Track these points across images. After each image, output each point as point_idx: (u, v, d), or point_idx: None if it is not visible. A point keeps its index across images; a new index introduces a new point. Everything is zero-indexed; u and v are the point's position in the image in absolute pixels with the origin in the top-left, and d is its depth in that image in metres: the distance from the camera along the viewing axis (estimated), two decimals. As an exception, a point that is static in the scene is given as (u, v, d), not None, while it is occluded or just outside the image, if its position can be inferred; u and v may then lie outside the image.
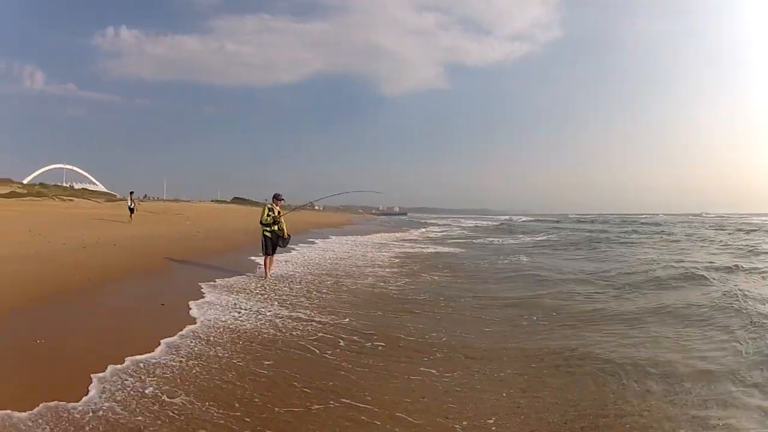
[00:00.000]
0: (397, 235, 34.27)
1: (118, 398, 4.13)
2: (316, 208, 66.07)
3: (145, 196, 55.13)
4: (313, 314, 7.66)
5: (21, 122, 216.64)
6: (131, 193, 26.50)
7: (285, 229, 11.42)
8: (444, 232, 39.41)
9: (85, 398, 4.06)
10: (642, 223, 48.32)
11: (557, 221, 62.47)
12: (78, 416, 3.78)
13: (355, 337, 6.52)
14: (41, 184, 56.91)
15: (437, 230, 43.76)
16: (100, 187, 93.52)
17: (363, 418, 4.13)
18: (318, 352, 5.83)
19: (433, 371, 5.33)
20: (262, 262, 11.53)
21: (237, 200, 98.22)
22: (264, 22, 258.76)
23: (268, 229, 11.36)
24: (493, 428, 4.06)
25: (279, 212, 11.50)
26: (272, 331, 6.60)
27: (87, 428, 3.65)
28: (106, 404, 4.01)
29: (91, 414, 3.82)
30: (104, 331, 6.15)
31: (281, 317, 7.35)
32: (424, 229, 44.51)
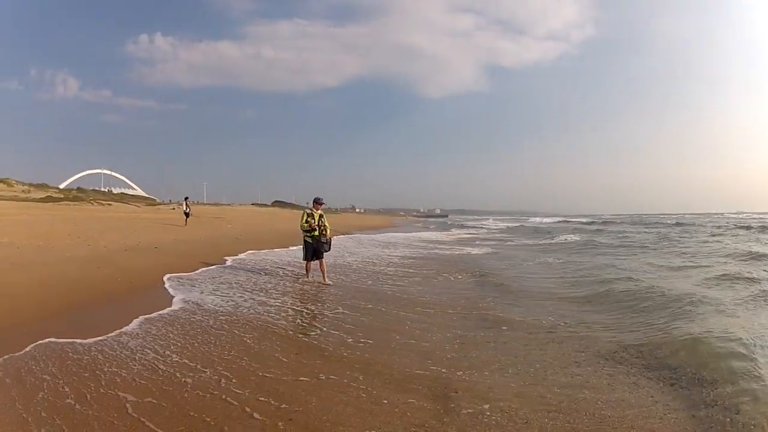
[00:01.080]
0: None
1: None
2: (357, 210, 65.27)
3: (186, 199, 55.32)
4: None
5: (56, 129, 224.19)
6: (186, 198, 26.98)
7: (329, 232, 10.93)
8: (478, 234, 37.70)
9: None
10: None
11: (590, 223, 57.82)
12: None
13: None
14: (79, 189, 57.13)
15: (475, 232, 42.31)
16: (140, 192, 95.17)
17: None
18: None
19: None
20: (304, 268, 10.99)
21: (277, 203, 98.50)
22: (299, 27, 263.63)
23: (308, 234, 10.89)
24: None
25: (321, 216, 11.03)
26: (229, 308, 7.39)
27: None
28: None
29: None
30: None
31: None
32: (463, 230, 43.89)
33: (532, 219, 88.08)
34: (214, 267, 11.76)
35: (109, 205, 32.00)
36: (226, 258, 13.12)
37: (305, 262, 10.99)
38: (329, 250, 11.22)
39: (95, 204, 29.67)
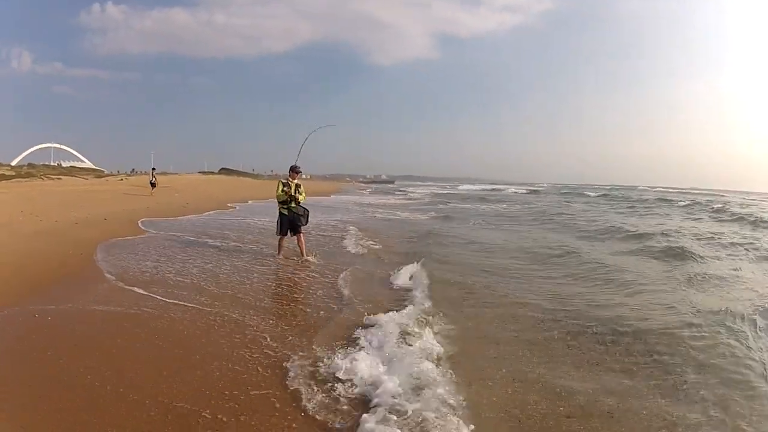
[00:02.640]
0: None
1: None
2: (304, 177, 66.45)
3: (133, 171, 54.94)
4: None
5: (8, 105, 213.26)
6: (153, 169, 30.21)
7: (303, 201, 10.12)
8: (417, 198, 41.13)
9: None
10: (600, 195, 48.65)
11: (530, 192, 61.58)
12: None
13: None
14: (29, 165, 55.94)
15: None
16: (88, 164, 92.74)
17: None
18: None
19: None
20: (277, 242, 10.21)
21: (224, 171, 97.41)
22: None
23: (284, 206, 10.06)
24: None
25: (298, 186, 10.12)
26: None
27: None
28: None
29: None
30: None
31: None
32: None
33: (466, 186, 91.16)
34: (152, 234, 11.90)
35: (59, 179, 31.95)
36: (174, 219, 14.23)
37: (278, 237, 10.19)
38: (307, 223, 10.33)
39: (45, 179, 29.66)
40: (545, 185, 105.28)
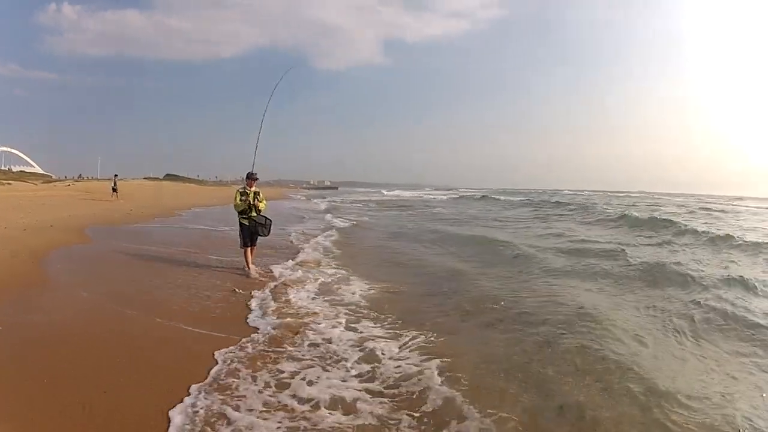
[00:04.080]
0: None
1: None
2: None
3: (80, 176, 53.48)
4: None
5: None
6: (115, 175, 30.48)
7: (264, 209, 9.61)
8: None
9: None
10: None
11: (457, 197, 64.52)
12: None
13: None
14: None
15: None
16: (38, 169, 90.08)
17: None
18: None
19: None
20: (243, 256, 9.53)
21: (169, 177, 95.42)
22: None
23: (244, 216, 9.46)
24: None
25: (256, 194, 9.54)
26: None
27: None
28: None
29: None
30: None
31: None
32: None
33: (397, 192, 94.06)
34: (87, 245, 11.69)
35: (9, 184, 31.10)
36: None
37: (242, 249, 9.51)
38: (268, 234, 9.73)
39: None
40: (490, 189, 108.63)
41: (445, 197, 63.64)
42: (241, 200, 9.36)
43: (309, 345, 5.38)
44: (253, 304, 7.11)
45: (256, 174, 9.61)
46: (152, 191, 41.88)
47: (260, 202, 9.50)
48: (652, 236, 16.53)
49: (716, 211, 32.91)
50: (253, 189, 9.51)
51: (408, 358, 5.01)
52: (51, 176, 67.04)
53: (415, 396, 4.17)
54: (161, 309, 6.55)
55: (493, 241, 14.41)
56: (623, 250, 12.15)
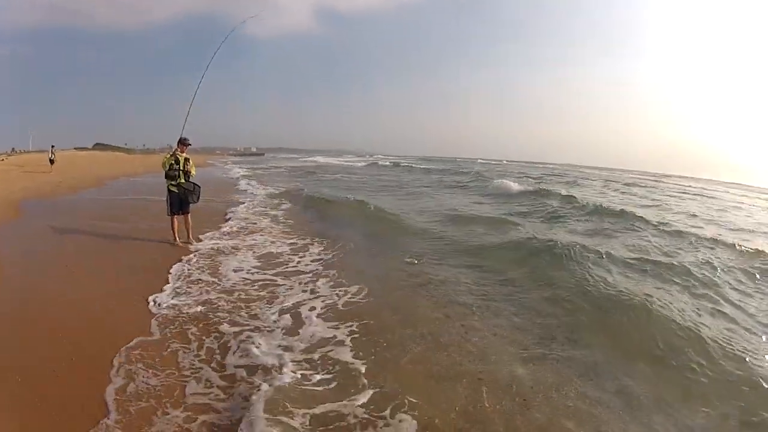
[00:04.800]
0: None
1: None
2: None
3: (13, 150, 50.92)
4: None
5: None
6: (52, 146, 30.63)
7: (193, 171, 9.55)
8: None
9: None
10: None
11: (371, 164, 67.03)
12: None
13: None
14: None
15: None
16: None
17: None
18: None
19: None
20: (170, 225, 9.45)
21: (98, 146, 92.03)
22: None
23: (173, 182, 9.30)
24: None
25: (186, 160, 9.41)
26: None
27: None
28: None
29: None
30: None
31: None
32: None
33: (318, 158, 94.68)
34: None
35: None
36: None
37: (170, 216, 9.39)
38: (197, 200, 9.60)
39: None
40: (408, 158, 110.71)
41: (361, 164, 65.92)
42: (170, 165, 9.27)
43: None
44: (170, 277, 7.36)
45: (188, 140, 9.42)
46: (84, 161, 40.97)
47: (191, 169, 9.43)
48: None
49: (625, 184, 38.16)
50: (184, 155, 9.38)
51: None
52: None
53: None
54: (78, 282, 6.82)
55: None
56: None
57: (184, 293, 6.65)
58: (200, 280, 7.32)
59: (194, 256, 8.71)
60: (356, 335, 5.44)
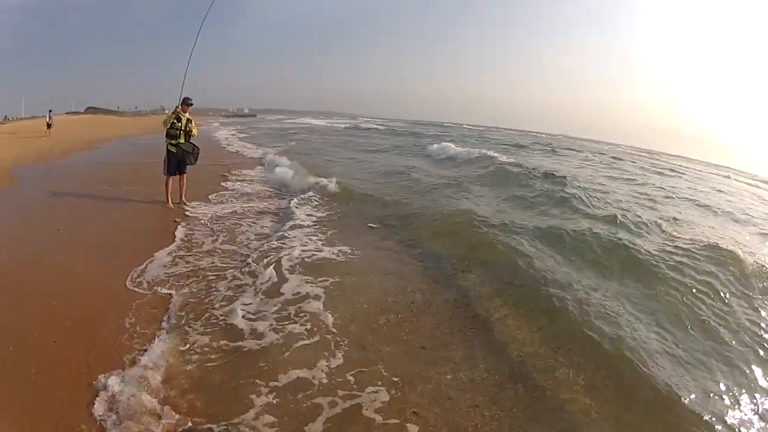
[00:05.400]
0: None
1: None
2: (166, 111, 63.58)
3: (5, 118, 50.09)
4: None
5: None
6: (50, 111, 30.58)
7: (195, 135, 9.47)
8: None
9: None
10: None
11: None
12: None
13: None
14: None
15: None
16: None
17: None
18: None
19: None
20: (164, 185, 9.34)
21: (90, 110, 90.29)
22: None
23: (173, 142, 9.11)
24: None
25: (189, 121, 9.27)
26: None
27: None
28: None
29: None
30: None
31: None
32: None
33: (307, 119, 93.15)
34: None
35: None
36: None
37: (166, 176, 9.25)
38: (195, 162, 9.49)
39: None
40: (397, 121, 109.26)
41: (343, 126, 66.63)
42: (171, 125, 9.10)
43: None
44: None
45: (190, 99, 9.26)
46: (76, 125, 40.40)
47: (193, 129, 9.30)
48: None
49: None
50: (186, 115, 9.23)
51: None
52: None
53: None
54: (67, 246, 6.83)
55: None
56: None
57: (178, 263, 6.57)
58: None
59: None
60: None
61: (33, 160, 16.47)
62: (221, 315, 5.07)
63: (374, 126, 65.55)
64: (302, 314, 5.18)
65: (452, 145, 26.74)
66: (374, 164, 19.94)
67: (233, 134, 35.73)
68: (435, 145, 27.66)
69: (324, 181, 12.74)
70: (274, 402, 3.76)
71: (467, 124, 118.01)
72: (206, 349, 4.41)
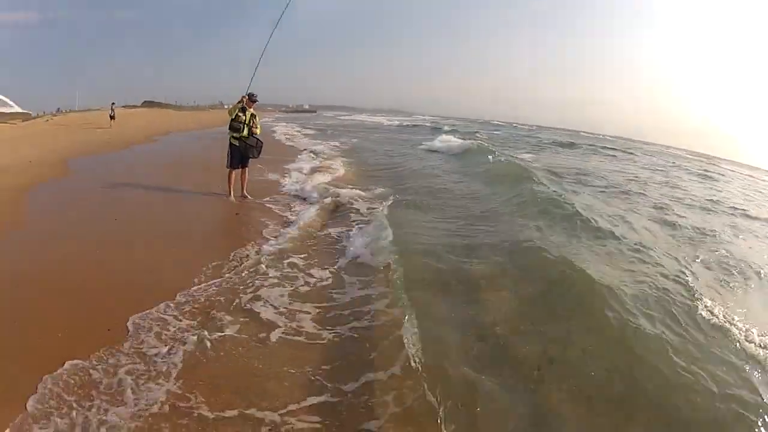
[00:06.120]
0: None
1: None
2: (225, 106, 63.50)
3: (58, 110, 51.48)
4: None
5: None
6: (113, 103, 31.89)
7: (258, 130, 9.37)
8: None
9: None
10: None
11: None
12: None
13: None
14: None
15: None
16: (16, 108, 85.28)
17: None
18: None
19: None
20: (227, 177, 9.31)
21: (147, 104, 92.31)
22: None
23: (236, 135, 9.12)
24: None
25: (253, 116, 9.26)
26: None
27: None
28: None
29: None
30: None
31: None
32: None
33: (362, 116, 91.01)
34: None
35: None
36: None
37: (228, 170, 9.25)
38: (258, 155, 9.44)
39: None
40: (453, 119, 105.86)
41: (394, 123, 62.65)
42: (236, 118, 9.12)
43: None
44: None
45: (255, 95, 9.20)
46: (134, 119, 40.74)
47: (255, 127, 9.27)
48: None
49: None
50: (251, 110, 9.26)
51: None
52: (30, 113, 64.14)
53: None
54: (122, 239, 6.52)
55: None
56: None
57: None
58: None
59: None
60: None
61: (91, 151, 16.27)
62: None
63: (421, 123, 62.92)
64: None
65: (457, 140, 26.27)
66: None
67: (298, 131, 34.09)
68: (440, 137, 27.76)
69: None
70: None
71: (516, 123, 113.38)
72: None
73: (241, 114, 9.06)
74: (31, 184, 9.78)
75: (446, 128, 42.33)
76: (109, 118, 30.22)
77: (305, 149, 20.96)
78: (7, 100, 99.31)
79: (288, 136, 27.78)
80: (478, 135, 33.54)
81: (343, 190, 10.14)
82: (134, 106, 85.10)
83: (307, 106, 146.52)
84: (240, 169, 9.31)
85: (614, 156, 29.68)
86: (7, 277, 5.00)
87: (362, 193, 10.06)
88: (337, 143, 24.95)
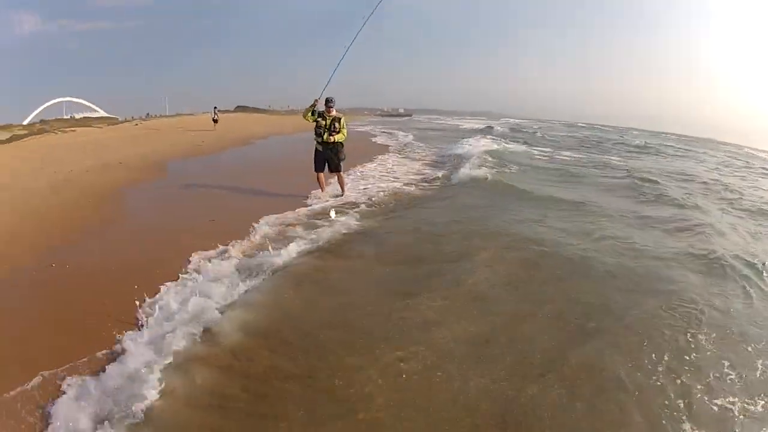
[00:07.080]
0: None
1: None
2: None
3: (147, 115, 54.27)
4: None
5: (15, 68, 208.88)
6: (215, 107, 32.14)
7: (338, 137, 9.12)
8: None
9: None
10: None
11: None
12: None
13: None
14: (42, 121, 54.30)
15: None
16: (102, 113, 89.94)
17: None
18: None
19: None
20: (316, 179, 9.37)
21: (240, 108, 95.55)
22: None
23: (320, 140, 9.16)
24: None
25: (334, 120, 9.08)
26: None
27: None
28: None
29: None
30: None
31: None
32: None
33: (456, 121, 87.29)
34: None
35: (73, 131, 30.78)
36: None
37: (316, 173, 9.36)
38: (344, 158, 9.39)
39: (59, 133, 28.24)
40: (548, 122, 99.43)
41: (476, 126, 58.32)
42: (315, 121, 9.06)
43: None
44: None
45: (330, 101, 8.97)
46: (231, 123, 41.50)
47: (337, 132, 9.04)
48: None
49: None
50: (332, 115, 9.03)
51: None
52: (117, 119, 67.59)
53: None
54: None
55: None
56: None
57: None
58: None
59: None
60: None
61: (192, 154, 16.62)
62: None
63: (500, 127, 59.73)
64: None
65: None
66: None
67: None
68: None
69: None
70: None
71: (600, 124, 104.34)
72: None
73: (320, 119, 9.05)
74: (131, 183, 10.26)
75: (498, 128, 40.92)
76: (212, 122, 31.21)
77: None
78: (93, 106, 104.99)
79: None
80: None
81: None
82: (227, 111, 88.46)
83: (402, 110, 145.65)
84: (329, 172, 9.42)
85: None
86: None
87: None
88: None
